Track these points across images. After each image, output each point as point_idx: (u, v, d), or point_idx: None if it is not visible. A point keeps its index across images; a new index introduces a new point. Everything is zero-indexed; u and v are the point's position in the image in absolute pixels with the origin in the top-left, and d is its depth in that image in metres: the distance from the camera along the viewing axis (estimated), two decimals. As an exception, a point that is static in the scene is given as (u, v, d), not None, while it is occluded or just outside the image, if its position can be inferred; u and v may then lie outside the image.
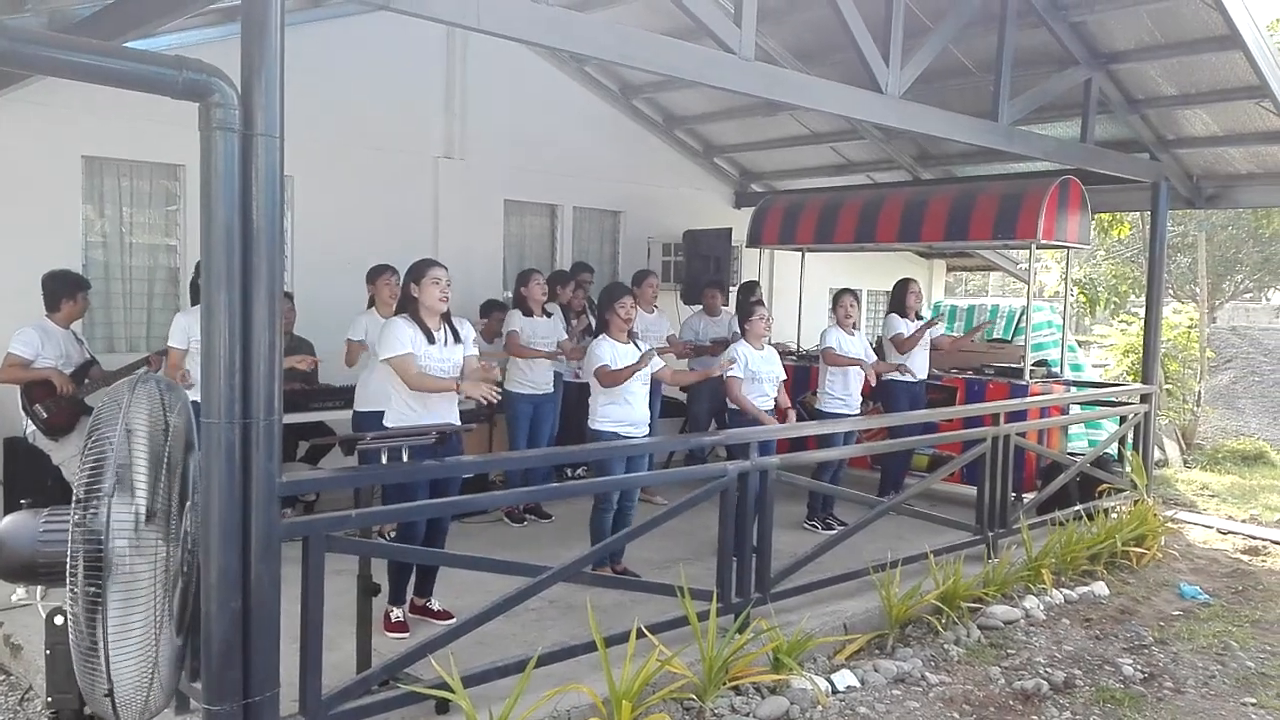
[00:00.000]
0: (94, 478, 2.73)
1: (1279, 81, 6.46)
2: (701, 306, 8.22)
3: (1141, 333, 8.67)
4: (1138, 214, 12.70)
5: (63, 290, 5.42)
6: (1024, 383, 7.43)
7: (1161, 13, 6.23)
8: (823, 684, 4.41)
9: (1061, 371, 8.37)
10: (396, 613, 4.62)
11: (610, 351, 5.40)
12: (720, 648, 4.25)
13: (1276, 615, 5.81)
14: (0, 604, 4.60)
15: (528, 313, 6.66)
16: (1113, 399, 8.14)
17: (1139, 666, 4.88)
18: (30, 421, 5.31)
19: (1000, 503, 6.34)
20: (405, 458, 4.07)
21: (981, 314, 10.85)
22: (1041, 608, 5.66)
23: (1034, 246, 7.50)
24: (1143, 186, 8.00)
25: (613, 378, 5.33)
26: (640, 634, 4.11)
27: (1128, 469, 7.69)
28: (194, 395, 3.56)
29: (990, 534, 6.29)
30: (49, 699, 3.15)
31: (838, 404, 6.74)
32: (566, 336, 6.90)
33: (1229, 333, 18.59)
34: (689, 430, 8.10)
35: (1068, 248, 8.02)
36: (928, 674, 4.68)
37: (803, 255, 9.49)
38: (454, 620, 4.32)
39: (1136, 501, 7.36)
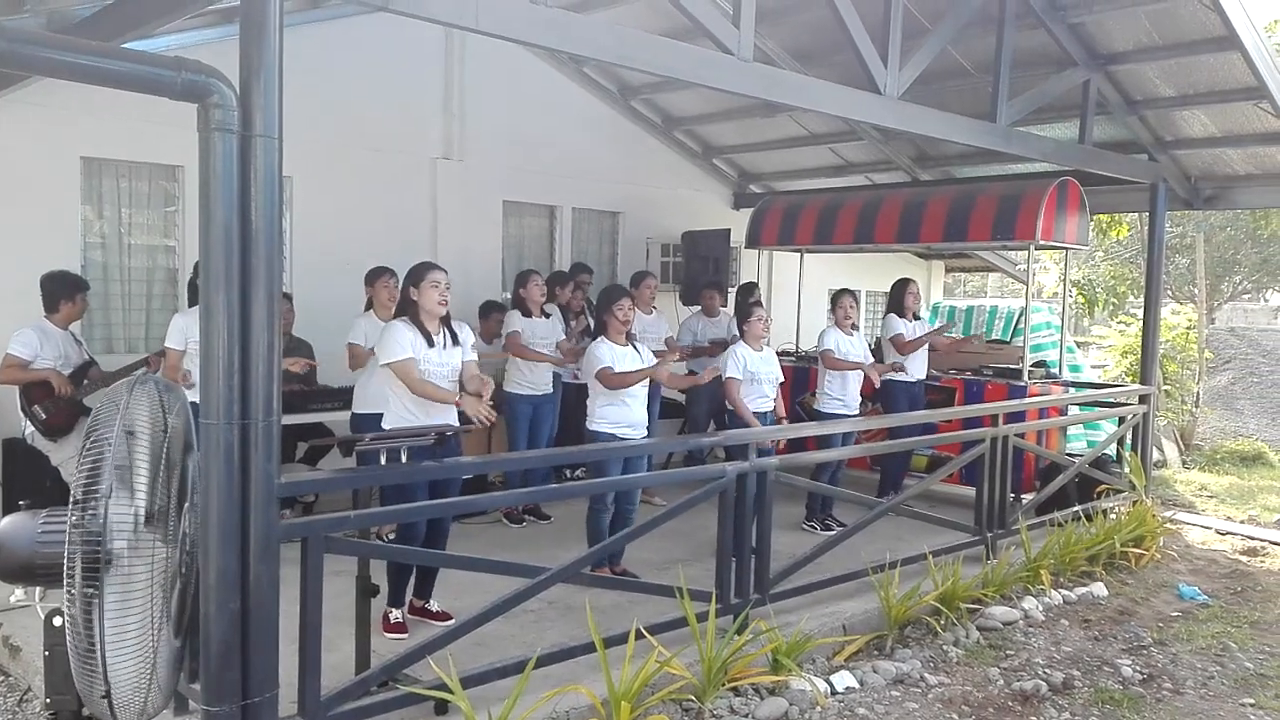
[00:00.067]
0: (92, 479, 2.73)
1: (1277, 83, 6.46)
2: (700, 307, 8.22)
3: (1140, 334, 8.67)
4: (1136, 215, 12.72)
5: (61, 291, 5.42)
6: (1023, 383, 7.44)
7: (1160, 14, 6.24)
8: (822, 685, 4.41)
9: (1060, 372, 8.37)
10: (395, 614, 4.62)
11: (609, 353, 5.41)
12: (719, 649, 4.25)
13: (1275, 616, 5.81)
14: (-1, 605, 4.60)
15: (526, 313, 6.66)
16: (1111, 400, 8.14)
17: (1138, 667, 4.88)
18: (29, 422, 5.30)
19: (999, 503, 6.34)
20: (404, 459, 4.07)
21: (980, 315, 10.86)
22: (1040, 609, 5.66)
23: (1032, 247, 7.50)
24: (1141, 187, 8.01)
25: (621, 380, 5.33)
26: (639, 635, 4.11)
27: (1126, 470, 7.69)
28: (193, 396, 3.56)
29: (989, 535, 6.29)
30: (47, 700, 3.16)
31: (836, 405, 6.74)
32: (565, 337, 6.90)
33: (1227, 334, 18.60)
34: (688, 431, 8.11)
35: (1066, 249, 8.03)
36: (927, 675, 4.68)
37: (801, 256, 9.49)
38: (453, 621, 4.33)
39: (1135, 502, 7.36)
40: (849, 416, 6.66)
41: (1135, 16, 6.32)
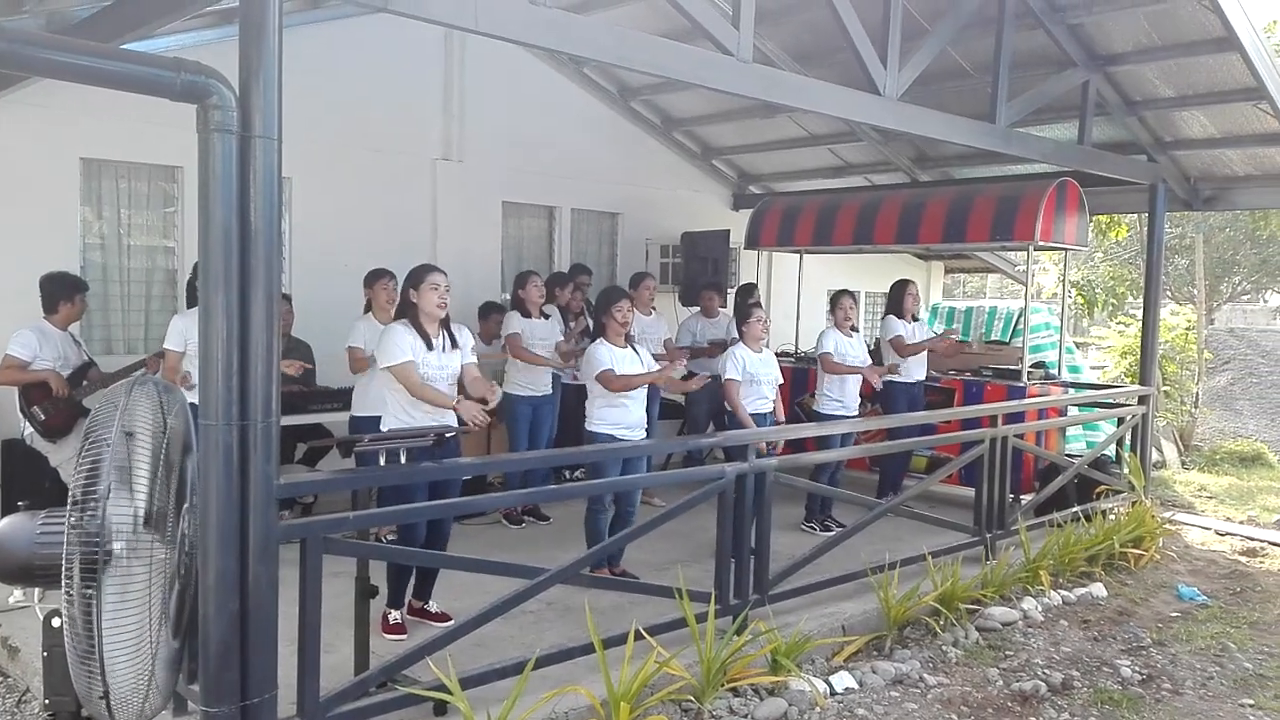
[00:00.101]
0: (91, 480, 2.73)
1: (1276, 83, 6.47)
2: (699, 308, 8.22)
3: (1139, 334, 8.67)
4: (1135, 216, 12.72)
5: (60, 292, 5.42)
6: (1022, 384, 7.44)
7: (1159, 14, 6.24)
8: (821, 685, 4.41)
9: (1059, 373, 8.38)
10: (394, 615, 4.62)
11: (609, 355, 5.41)
12: (718, 649, 4.25)
13: (1274, 616, 5.81)
14: (-2, 606, 4.60)
15: (526, 315, 6.66)
16: (1110, 400, 8.14)
17: (1137, 668, 4.88)
18: (28, 423, 5.30)
19: (998, 504, 6.34)
20: (403, 460, 4.07)
21: (980, 316, 10.86)
22: (1039, 609, 5.66)
23: (1032, 248, 7.51)
24: (1140, 188, 8.01)
25: (625, 383, 5.33)
26: (638, 636, 4.11)
27: (1126, 470, 7.69)
28: (192, 397, 3.56)
29: (988, 535, 6.29)
30: (46, 701, 3.15)
31: (836, 405, 6.74)
32: (563, 338, 6.90)
33: (1227, 334, 18.61)
34: (687, 432, 8.11)
35: (1065, 249, 8.03)
36: (926, 675, 4.68)
37: (801, 257, 9.49)
38: (452, 622, 4.33)
39: (1134, 503, 7.36)
40: (848, 417, 6.66)
41: (1134, 17, 6.32)
